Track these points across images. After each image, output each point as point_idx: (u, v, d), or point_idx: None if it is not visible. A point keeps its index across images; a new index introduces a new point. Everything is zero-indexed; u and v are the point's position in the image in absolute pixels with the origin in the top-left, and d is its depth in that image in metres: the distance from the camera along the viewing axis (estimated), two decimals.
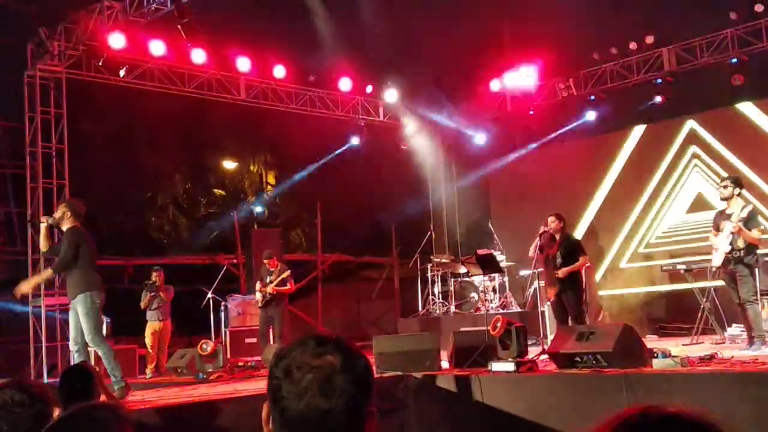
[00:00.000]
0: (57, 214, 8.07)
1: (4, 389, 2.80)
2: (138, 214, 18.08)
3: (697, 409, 1.21)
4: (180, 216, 18.52)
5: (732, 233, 8.48)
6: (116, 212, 16.89)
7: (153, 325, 12.31)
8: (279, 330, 11.91)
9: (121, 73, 13.20)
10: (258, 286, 12.19)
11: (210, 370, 10.76)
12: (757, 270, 8.71)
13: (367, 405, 1.61)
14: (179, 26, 11.80)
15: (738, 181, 9.01)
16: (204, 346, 11.12)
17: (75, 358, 7.92)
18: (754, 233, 8.47)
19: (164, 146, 17.09)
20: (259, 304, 12.12)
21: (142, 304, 12.35)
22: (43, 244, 8.27)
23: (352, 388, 1.56)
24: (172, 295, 12.56)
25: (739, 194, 8.85)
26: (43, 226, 8.14)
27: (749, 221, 8.50)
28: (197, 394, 8.32)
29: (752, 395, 6.25)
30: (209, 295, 12.66)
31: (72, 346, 8.01)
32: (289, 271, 12.15)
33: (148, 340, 12.27)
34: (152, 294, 12.34)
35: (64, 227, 8.02)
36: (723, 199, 8.89)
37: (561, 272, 9.70)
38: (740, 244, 8.50)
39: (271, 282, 11.94)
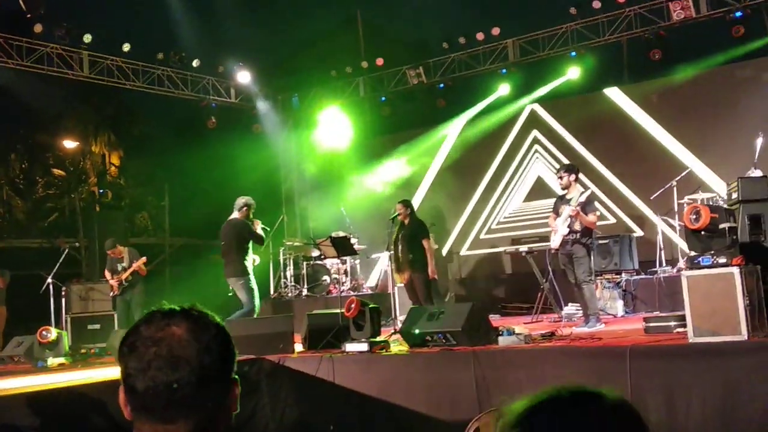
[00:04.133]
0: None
1: None
2: None
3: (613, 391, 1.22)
4: (15, 197, 17.47)
5: (570, 216, 8.96)
6: None
7: None
8: (141, 314, 11.58)
9: None
10: (109, 276, 11.90)
11: (51, 358, 10.25)
12: (592, 252, 9.29)
13: (223, 372, 1.53)
14: None
15: (571, 168, 9.49)
16: (44, 333, 10.56)
17: None
18: (591, 217, 8.99)
19: None
20: (115, 292, 11.84)
21: None
22: None
23: (198, 357, 1.47)
24: (8, 281, 11.95)
25: (575, 179, 9.37)
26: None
27: (587, 205, 9.00)
28: (38, 382, 7.92)
29: (589, 369, 6.66)
30: (49, 279, 12.06)
31: None
32: (144, 258, 12.10)
33: None
34: None
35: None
36: (563, 189, 9.38)
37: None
38: (577, 227, 8.98)
39: (124, 269, 11.76)
